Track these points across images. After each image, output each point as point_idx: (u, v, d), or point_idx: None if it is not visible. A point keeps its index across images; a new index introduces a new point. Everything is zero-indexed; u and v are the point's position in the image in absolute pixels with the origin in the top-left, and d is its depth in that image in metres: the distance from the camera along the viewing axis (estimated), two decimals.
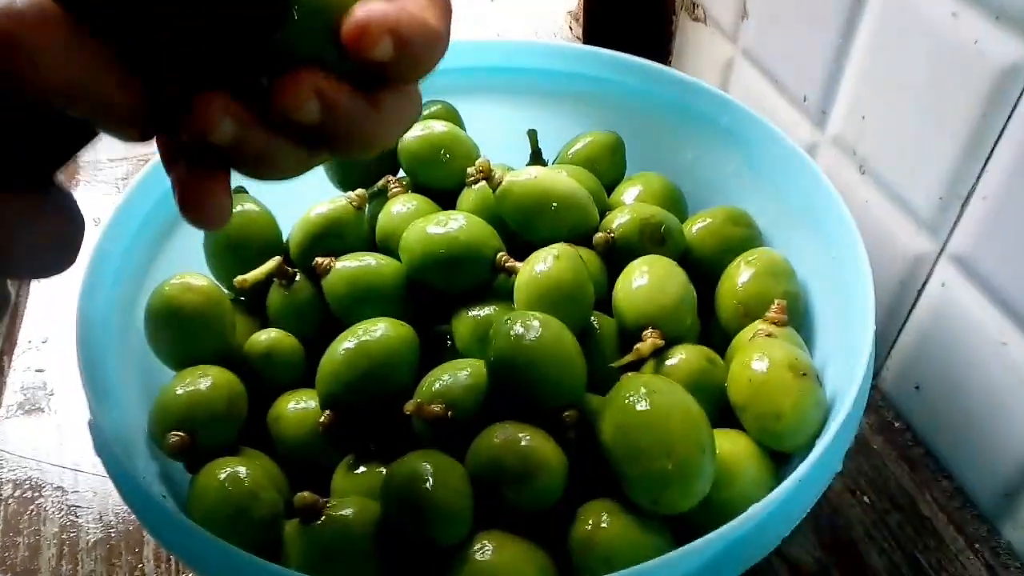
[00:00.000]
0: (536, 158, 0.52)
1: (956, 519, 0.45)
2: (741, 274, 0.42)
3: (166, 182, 0.44)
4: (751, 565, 0.29)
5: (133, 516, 0.43)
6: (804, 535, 0.44)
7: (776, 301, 0.39)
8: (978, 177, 0.40)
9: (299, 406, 0.39)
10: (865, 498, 0.46)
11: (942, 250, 0.43)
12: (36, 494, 0.47)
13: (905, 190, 0.44)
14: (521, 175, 0.43)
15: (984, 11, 0.37)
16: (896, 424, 0.49)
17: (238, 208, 0.44)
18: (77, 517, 0.46)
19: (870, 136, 0.46)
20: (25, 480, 0.48)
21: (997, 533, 0.44)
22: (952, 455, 0.46)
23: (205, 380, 0.37)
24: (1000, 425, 0.42)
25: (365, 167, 0.48)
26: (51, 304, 0.59)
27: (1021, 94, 0.36)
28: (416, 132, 0.46)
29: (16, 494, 0.47)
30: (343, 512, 0.32)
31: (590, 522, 0.32)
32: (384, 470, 0.35)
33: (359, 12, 0.23)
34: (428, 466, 0.32)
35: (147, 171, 0.42)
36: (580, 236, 0.43)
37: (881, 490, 0.46)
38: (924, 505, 0.45)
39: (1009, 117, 0.37)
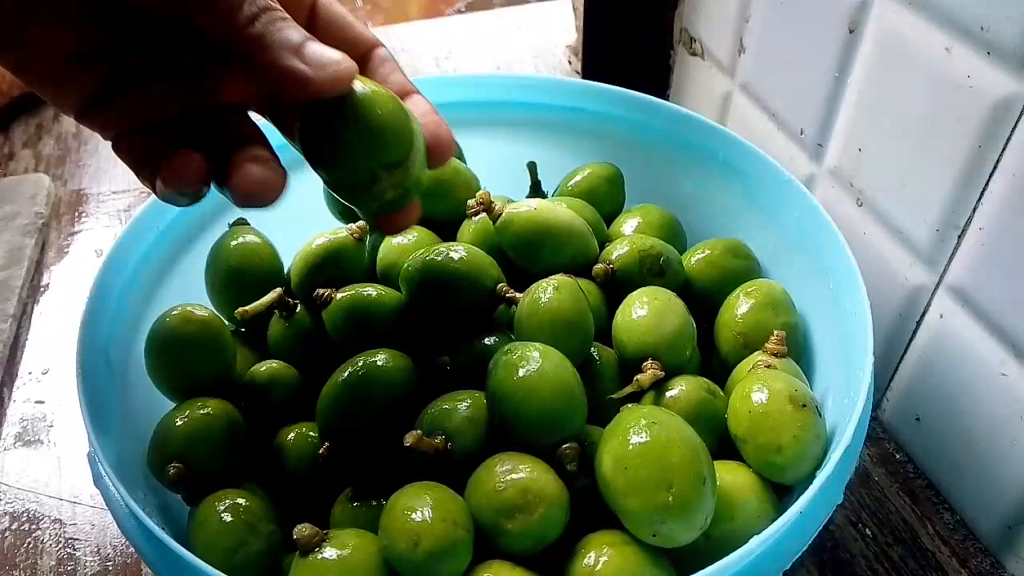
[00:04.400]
0: (536, 190, 0.52)
1: (959, 552, 0.44)
2: (740, 305, 0.42)
3: (168, 214, 0.45)
4: None
5: (131, 549, 0.43)
6: (807, 569, 0.44)
7: (775, 332, 0.40)
8: (974, 209, 0.40)
9: (299, 438, 0.39)
10: (867, 531, 0.45)
11: (940, 281, 0.43)
12: (34, 526, 0.47)
13: (902, 222, 0.45)
14: (521, 207, 0.43)
15: (977, 46, 0.38)
16: (897, 456, 0.49)
17: (239, 240, 0.44)
18: (75, 550, 0.46)
19: (867, 169, 0.47)
20: (23, 512, 0.48)
21: (1000, 567, 0.43)
22: (953, 487, 0.46)
23: (205, 411, 0.37)
24: (1001, 456, 0.42)
25: None
26: (52, 335, 0.59)
27: (1014, 127, 0.37)
28: None
29: (13, 527, 0.47)
30: (342, 544, 0.31)
31: (591, 555, 0.32)
32: (383, 502, 0.35)
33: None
34: (427, 498, 0.32)
35: (149, 203, 0.42)
36: (580, 267, 0.43)
37: (883, 523, 0.46)
38: (927, 538, 0.45)
39: (1003, 149, 0.38)
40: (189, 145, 0.29)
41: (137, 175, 0.31)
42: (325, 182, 0.32)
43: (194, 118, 0.31)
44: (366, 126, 0.29)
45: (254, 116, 0.34)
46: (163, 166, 0.29)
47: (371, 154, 0.30)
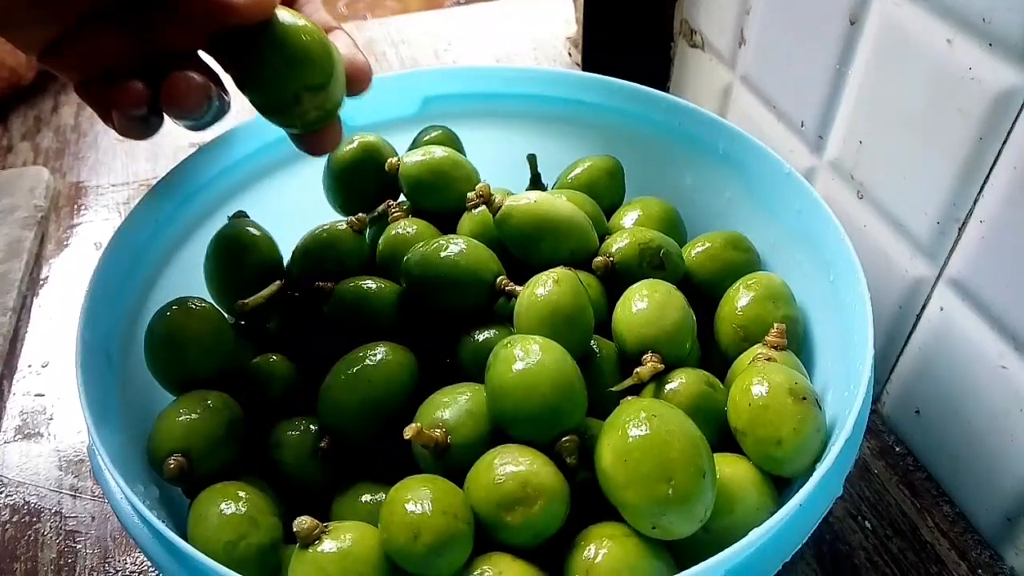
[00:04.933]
0: (536, 183, 0.52)
1: (959, 545, 0.44)
2: (740, 298, 0.42)
3: (167, 207, 0.45)
4: None
5: (132, 542, 0.43)
6: (806, 561, 0.44)
7: (775, 325, 0.39)
8: (975, 201, 0.40)
9: (299, 432, 0.39)
10: (867, 523, 0.46)
11: (940, 274, 0.43)
12: (34, 519, 0.47)
13: (903, 215, 0.45)
14: (521, 199, 0.43)
15: (978, 39, 0.37)
16: (897, 448, 0.49)
17: (238, 232, 0.44)
18: (75, 543, 0.46)
19: (867, 161, 0.47)
20: (23, 505, 0.48)
21: (1000, 559, 0.43)
22: (953, 480, 0.46)
23: (204, 405, 0.37)
24: (1000, 449, 0.42)
25: (366, 191, 0.48)
26: (51, 329, 0.59)
27: (1016, 119, 0.37)
28: (417, 157, 0.47)
29: (14, 519, 0.47)
30: (343, 537, 0.31)
31: (591, 547, 0.32)
32: (383, 495, 0.35)
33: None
34: (427, 491, 0.32)
35: (148, 196, 0.42)
36: (580, 260, 0.43)
37: (883, 515, 0.46)
38: (926, 531, 0.45)
39: (1004, 142, 0.38)
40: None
41: (103, 120, 0.35)
42: (254, 104, 0.35)
43: (149, 64, 0.34)
44: (290, 51, 0.33)
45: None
46: (109, 95, 0.33)
47: (295, 77, 0.34)
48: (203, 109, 0.34)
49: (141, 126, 0.35)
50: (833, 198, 0.50)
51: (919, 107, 0.42)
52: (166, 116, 0.35)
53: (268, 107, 0.35)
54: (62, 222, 0.68)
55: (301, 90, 0.34)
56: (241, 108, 0.38)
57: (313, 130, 0.37)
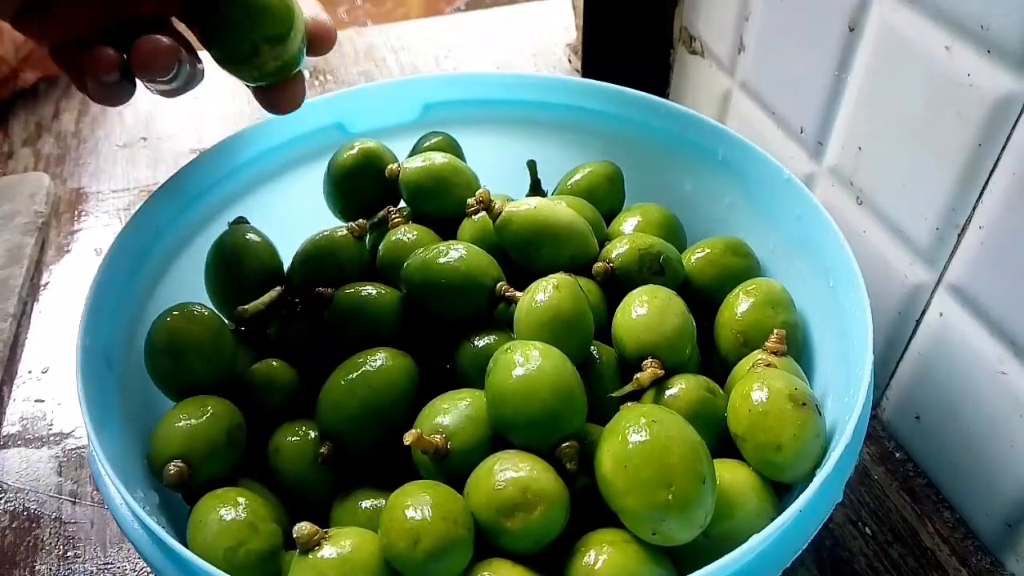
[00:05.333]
0: (535, 188, 0.52)
1: (959, 551, 0.44)
2: (740, 304, 0.42)
3: (168, 213, 0.45)
4: None
5: (132, 548, 0.43)
6: (806, 567, 0.44)
7: (775, 331, 0.40)
8: (974, 207, 0.40)
9: (299, 437, 0.39)
10: (867, 529, 0.45)
11: (939, 280, 0.43)
12: (34, 524, 0.47)
13: (902, 221, 0.45)
14: (521, 205, 0.43)
15: (976, 45, 0.38)
16: (897, 454, 0.49)
17: (239, 238, 0.44)
18: (75, 548, 0.46)
19: (867, 167, 0.47)
20: (23, 511, 0.48)
21: (1000, 565, 0.43)
22: (953, 485, 0.46)
23: (204, 411, 0.37)
24: (1000, 455, 0.42)
25: (366, 197, 0.48)
26: (52, 334, 0.59)
27: (1014, 125, 0.37)
28: (417, 163, 0.47)
29: (13, 525, 0.47)
30: (342, 543, 0.31)
31: (591, 553, 0.32)
32: (383, 501, 0.35)
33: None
34: (427, 497, 0.32)
35: (148, 201, 0.42)
36: (579, 266, 0.43)
37: (883, 521, 0.46)
38: (926, 537, 0.45)
39: (1003, 148, 0.38)
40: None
41: (77, 86, 0.36)
42: (214, 58, 0.37)
43: (123, 31, 0.35)
44: (249, 2, 0.35)
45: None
46: (82, 60, 0.34)
47: (253, 28, 0.35)
48: (172, 72, 0.34)
49: (115, 91, 0.35)
50: (832, 204, 0.50)
51: (918, 113, 0.42)
52: (138, 82, 0.36)
53: (227, 58, 0.37)
54: (63, 228, 0.68)
55: (260, 41, 0.36)
56: (241, 115, 0.38)
57: (273, 82, 0.38)
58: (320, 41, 0.39)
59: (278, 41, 0.36)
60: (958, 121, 0.39)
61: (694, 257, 0.46)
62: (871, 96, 0.46)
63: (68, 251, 0.66)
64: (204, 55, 0.37)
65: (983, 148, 0.39)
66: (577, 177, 0.50)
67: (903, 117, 0.43)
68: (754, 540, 0.28)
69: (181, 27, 0.38)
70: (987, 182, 0.39)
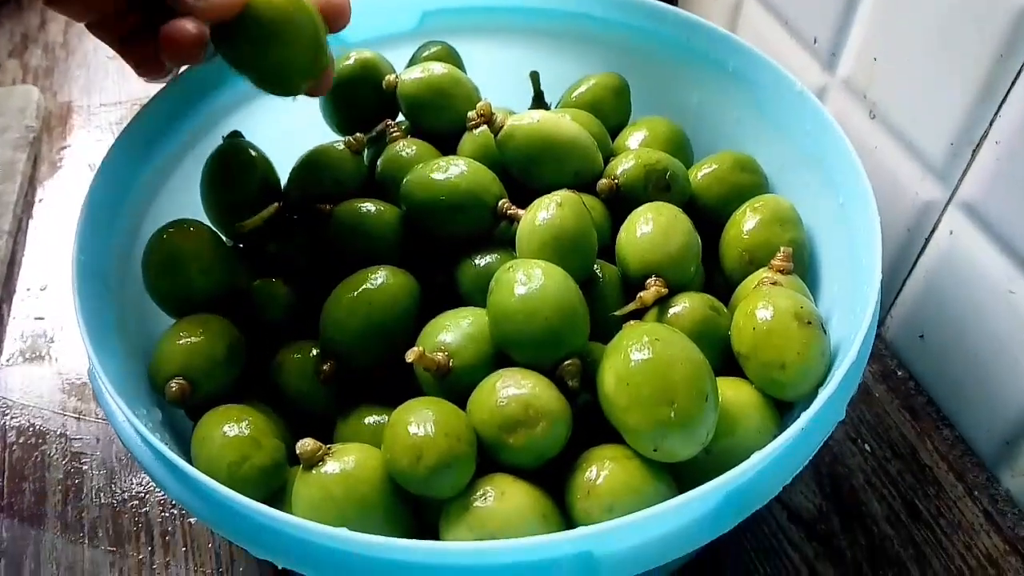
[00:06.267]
0: (538, 101, 0.50)
1: (956, 467, 0.45)
2: (747, 221, 0.41)
3: (160, 125, 0.44)
4: (752, 512, 0.29)
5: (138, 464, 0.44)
6: (805, 483, 0.44)
7: (782, 249, 0.39)
8: (991, 123, 0.39)
9: (300, 355, 0.39)
10: (866, 446, 0.46)
11: (951, 197, 0.42)
12: (40, 440, 0.47)
13: (916, 136, 0.44)
14: (523, 119, 0.42)
15: None
16: (899, 373, 0.49)
17: (234, 152, 0.43)
18: (81, 464, 0.46)
19: (881, 80, 0.45)
20: (28, 427, 0.48)
21: (996, 481, 0.44)
22: (954, 403, 0.46)
23: (204, 327, 0.37)
24: (1003, 374, 0.42)
25: (363, 110, 0.47)
26: (48, 251, 0.58)
27: None
28: (415, 74, 0.45)
29: (20, 440, 0.47)
30: (346, 458, 0.32)
31: (592, 469, 0.32)
32: (386, 418, 0.35)
33: None
34: (430, 413, 0.32)
35: (141, 114, 0.41)
36: (584, 182, 0.42)
37: (882, 438, 0.46)
38: (924, 453, 0.45)
39: None
40: (152, 27, 0.34)
41: (119, 53, 0.37)
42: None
43: (149, 6, 0.36)
44: (267, 45, 0.34)
45: None
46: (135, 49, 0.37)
47: (276, 66, 0.35)
48: (200, 57, 0.35)
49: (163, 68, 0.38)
50: (845, 118, 0.48)
51: (937, 22, 0.40)
52: None
53: (258, 84, 0.37)
54: (54, 143, 0.66)
55: (283, 72, 0.36)
56: None
57: (309, 94, 0.39)
58: (336, 20, 0.38)
59: (303, 68, 0.36)
60: (979, 30, 0.38)
61: (701, 173, 0.45)
62: (888, 5, 0.44)
63: (61, 166, 0.64)
64: None
65: (1004, 60, 0.37)
66: (582, 89, 0.49)
67: (921, 27, 0.41)
68: (755, 457, 0.28)
69: None
70: (1006, 96, 0.38)
